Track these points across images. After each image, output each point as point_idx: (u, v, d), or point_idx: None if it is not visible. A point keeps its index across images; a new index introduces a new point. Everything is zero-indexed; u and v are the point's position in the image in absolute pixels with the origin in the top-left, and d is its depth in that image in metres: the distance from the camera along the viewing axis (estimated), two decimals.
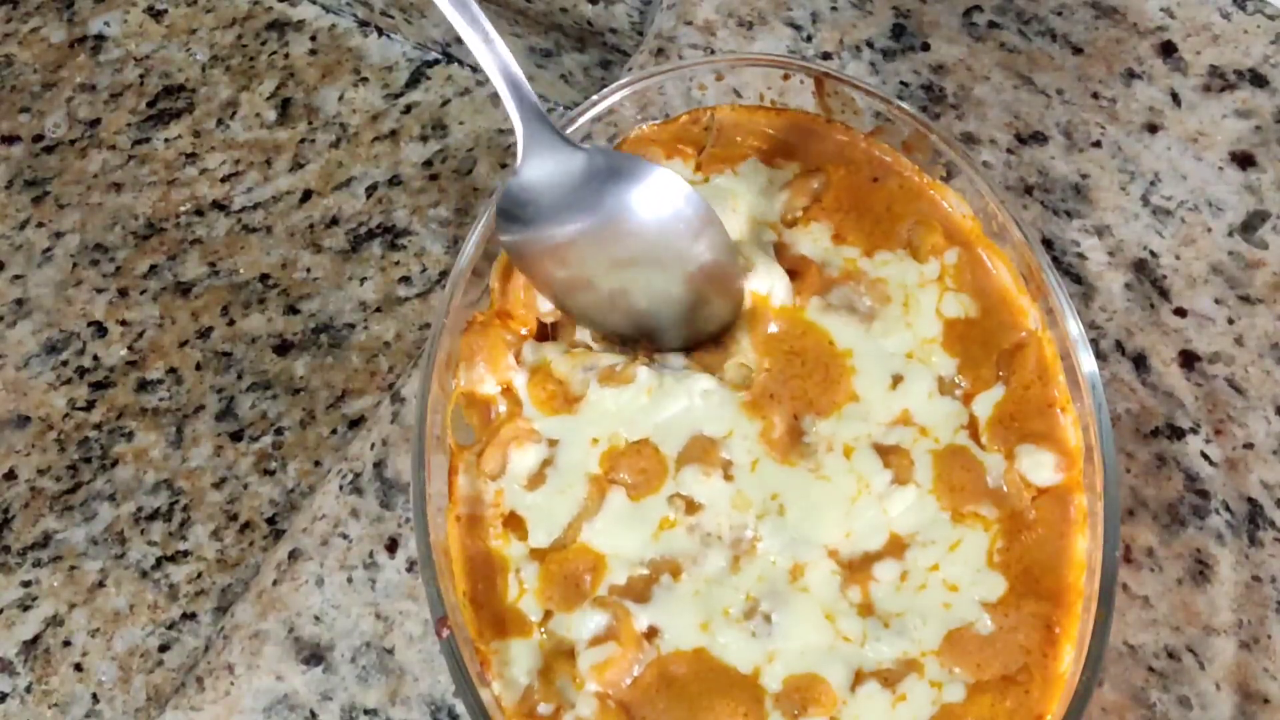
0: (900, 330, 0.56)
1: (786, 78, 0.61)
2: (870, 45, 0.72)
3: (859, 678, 0.51)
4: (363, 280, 0.87)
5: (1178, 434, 0.62)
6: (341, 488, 0.63)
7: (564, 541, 0.54)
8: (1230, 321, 0.65)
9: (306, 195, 0.90)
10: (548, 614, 0.53)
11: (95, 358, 0.86)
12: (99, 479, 0.82)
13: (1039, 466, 0.54)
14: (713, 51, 0.72)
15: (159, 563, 0.80)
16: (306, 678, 0.60)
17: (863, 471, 0.54)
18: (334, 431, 0.83)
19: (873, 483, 0.54)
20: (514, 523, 0.54)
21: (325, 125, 0.93)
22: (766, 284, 0.56)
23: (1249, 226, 0.67)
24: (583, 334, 0.58)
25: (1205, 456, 0.62)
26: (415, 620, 0.60)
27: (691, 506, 0.54)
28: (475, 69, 0.94)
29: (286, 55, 0.96)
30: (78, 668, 0.77)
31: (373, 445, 0.64)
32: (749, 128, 0.61)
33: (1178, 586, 0.59)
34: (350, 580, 0.61)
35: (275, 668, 0.60)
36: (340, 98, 0.94)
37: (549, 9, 0.85)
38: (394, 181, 0.90)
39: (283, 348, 0.86)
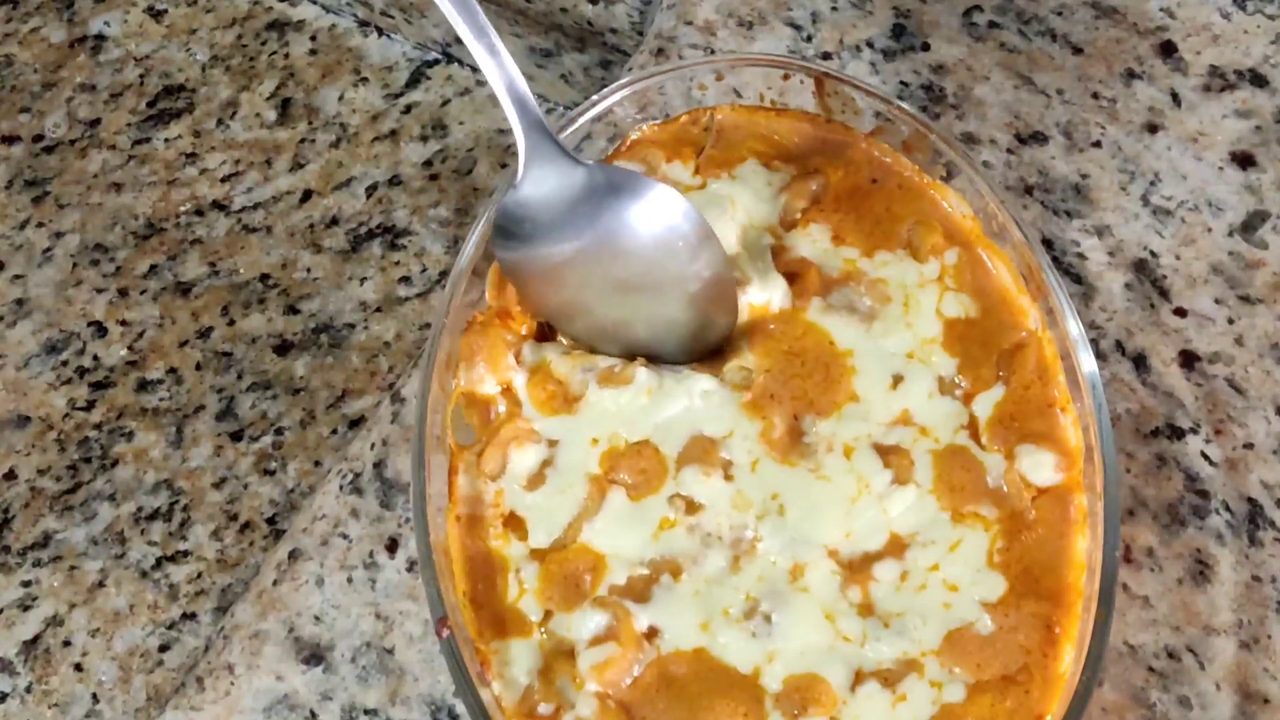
0: (900, 330, 0.56)
1: (786, 78, 0.61)
2: (870, 45, 0.72)
3: (859, 678, 0.51)
4: (363, 280, 0.87)
5: (1178, 434, 0.62)
6: (341, 488, 0.63)
7: (564, 541, 0.54)
8: (1230, 321, 0.65)
9: (306, 195, 0.90)
10: (548, 614, 0.53)
11: (95, 358, 0.86)
12: (99, 479, 0.83)
13: (1039, 466, 0.54)
14: (713, 51, 0.72)
15: (159, 563, 0.80)
16: (306, 678, 0.60)
17: (863, 471, 0.54)
18: (334, 431, 0.83)
19: (873, 483, 0.54)
20: (514, 523, 0.54)
21: (325, 125, 0.93)
22: (764, 295, 0.56)
23: (1249, 226, 0.67)
24: None
25: (1205, 456, 0.62)
26: (415, 620, 0.60)
27: (691, 506, 0.54)
28: (475, 69, 0.94)
29: (286, 55, 0.96)
30: (78, 668, 0.77)
31: (373, 445, 0.64)
32: (749, 128, 0.61)
33: (1178, 586, 0.59)
34: (350, 580, 0.61)
35: (275, 668, 0.60)
36: (340, 98, 0.94)
37: (549, 9, 0.85)
38: (394, 181, 0.90)
39: (283, 348, 0.86)
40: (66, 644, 0.78)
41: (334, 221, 0.89)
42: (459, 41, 0.92)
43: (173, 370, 0.85)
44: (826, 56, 0.72)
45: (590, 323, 0.56)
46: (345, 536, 0.62)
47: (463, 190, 0.90)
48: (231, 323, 0.87)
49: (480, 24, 0.54)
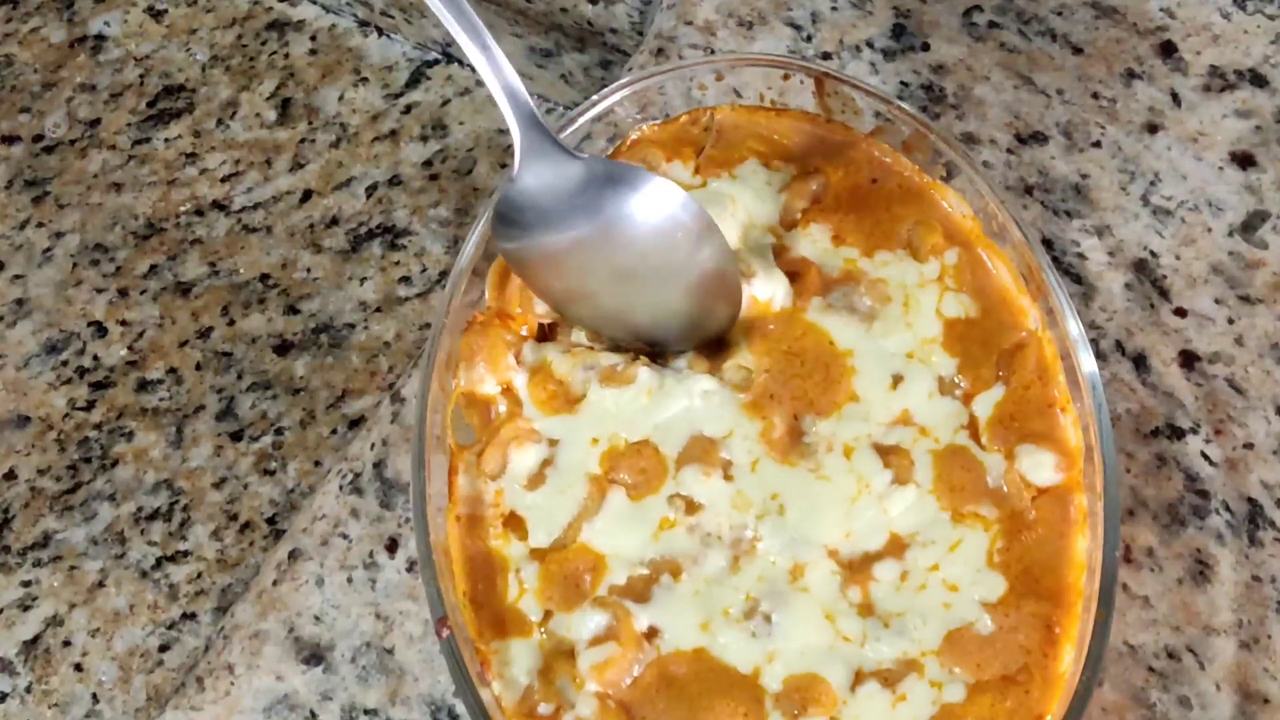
0: (900, 330, 0.56)
1: (786, 78, 0.61)
2: (870, 45, 0.72)
3: (859, 678, 0.51)
4: (363, 280, 0.87)
5: (1178, 434, 0.62)
6: (341, 488, 0.63)
7: (564, 541, 0.54)
8: (1230, 321, 0.65)
9: (306, 195, 0.90)
10: (548, 614, 0.53)
11: (95, 358, 0.86)
12: (99, 479, 0.82)
13: (1039, 466, 0.54)
14: (713, 51, 0.72)
15: (159, 563, 0.80)
16: (306, 678, 0.60)
17: (863, 471, 0.54)
18: (334, 431, 0.83)
19: (873, 483, 0.54)
20: (514, 523, 0.54)
21: (325, 125, 0.93)
22: (768, 290, 0.56)
23: (1249, 226, 0.67)
24: (579, 335, 0.58)
25: (1205, 456, 0.62)
26: (415, 620, 0.60)
27: (691, 506, 0.54)
28: (475, 69, 0.94)
29: (286, 55, 0.96)
30: (78, 668, 0.77)
31: (373, 445, 0.64)
32: (749, 128, 0.61)
33: (1178, 586, 0.59)
34: (350, 580, 0.61)
35: (275, 668, 0.60)
36: (340, 98, 0.94)
37: (549, 9, 0.85)
38: (394, 181, 0.90)
39: (283, 348, 0.86)
40: (66, 644, 0.78)
41: (334, 221, 0.89)
42: None
43: (173, 370, 0.85)
44: (826, 56, 0.72)
45: (593, 309, 0.56)
46: (345, 536, 0.62)
47: (463, 190, 0.90)
48: (231, 323, 0.87)
49: (472, 22, 0.54)
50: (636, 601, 0.52)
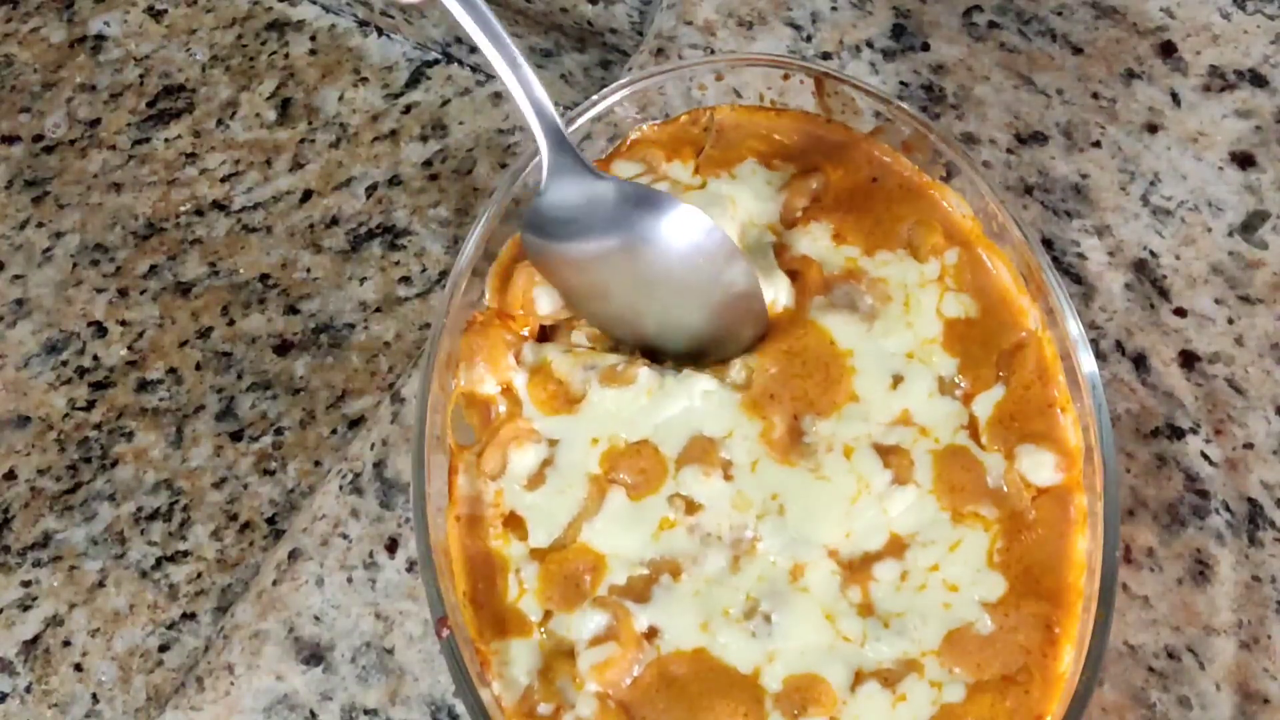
0: (900, 330, 0.56)
1: (786, 78, 0.61)
2: (870, 45, 0.72)
3: (859, 678, 0.51)
4: (363, 280, 0.87)
5: (1178, 434, 0.62)
6: (341, 488, 0.63)
7: (564, 541, 0.54)
8: (1230, 321, 0.65)
9: (306, 195, 0.90)
10: (548, 614, 0.53)
11: (95, 358, 0.86)
12: (99, 479, 0.82)
13: (1039, 466, 0.54)
14: (713, 51, 0.72)
15: (159, 563, 0.80)
16: (306, 678, 0.60)
17: (863, 471, 0.54)
18: (334, 431, 0.83)
19: (873, 483, 0.54)
20: (514, 523, 0.54)
21: (325, 125, 0.93)
22: (770, 292, 0.56)
23: (1249, 226, 0.67)
24: (580, 335, 0.58)
25: (1205, 456, 0.62)
26: (415, 620, 0.60)
27: (691, 506, 0.54)
28: (475, 69, 0.94)
29: (286, 55, 0.96)
30: (78, 668, 0.77)
31: (373, 445, 0.64)
32: (749, 128, 0.61)
33: (1178, 586, 0.59)
34: (350, 580, 0.61)
35: (275, 668, 0.60)
36: (340, 98, 0.94)
37: (549, 9, 0.85)
38: (394, 181, 0.90)
39: (283, 348, 0.86)
40: (66, 644, 0.78)
41: (334, 221, 0.89)
42: (459, 41, 0.92)
43: (173, 370, 0.85)
44: (826, 56, 0.72)
45: (608, 311, 0.57)
46: (345, 536, 0.62)
47: (463, 190, 0.90)
48: (231, 323, 0.87)
49: (498, 34, 0.54)
50: (636, 601, 0.52)
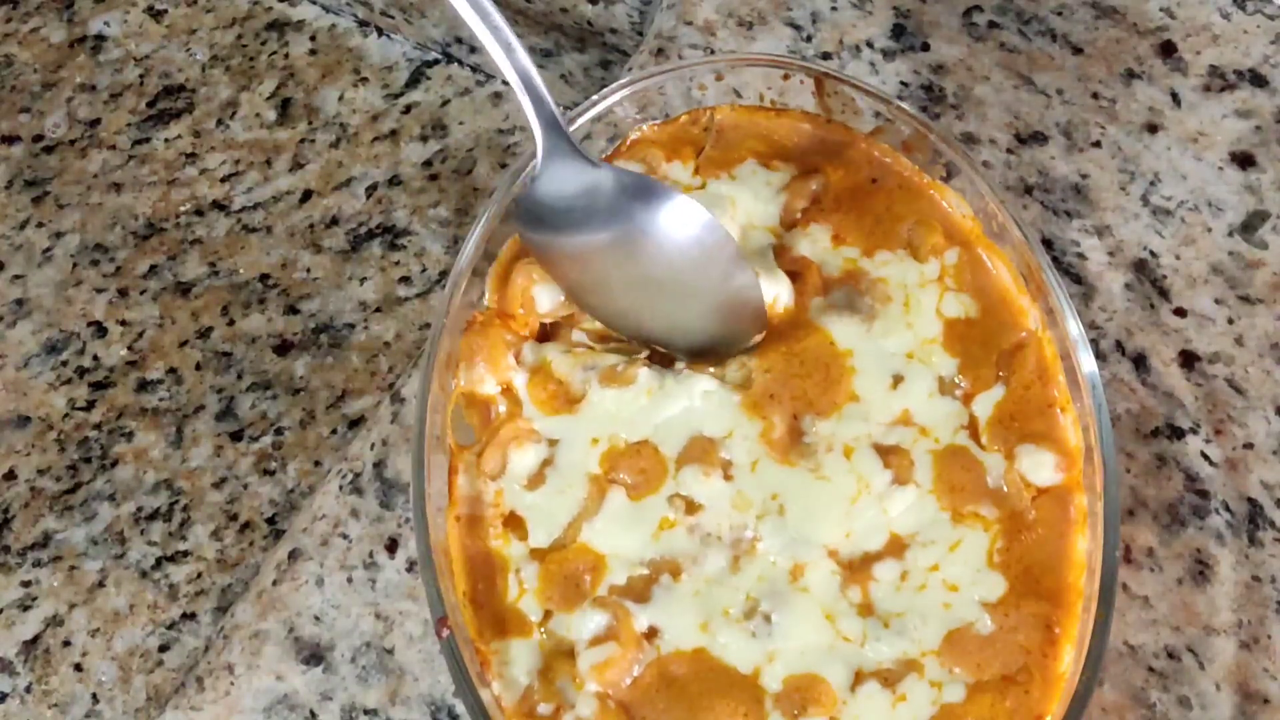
0: (900, 330, 0.56)
1: (786, 78, 0.61)
2: (870, 45, 0.72)
3: (859, 678, 0.51)
4: (363, 280, 0.87)
5: (1178, 434, 0.62)
6: (341, 488, 0.63)
7: (564, 541, 0.54)
8: (1230, 321, 0.65)
9: (306, 195, 0.90)
10: (548, 614, 0.53)
11: (95, 358, 0.86)
12: (99, 479, 0.82)
13: (1039, 466, 0.54)
14: (713, 51, 0.72)
15: (159, 563, 0.80)
16: (306, 678, 0.60)
17: (863, 471, 0.54)
18: (334, 431, 0.83)
19: (873, 483, 0.54)
20: (514, 523, 0.54)
21: (325, 125, 0.93)
22: (770, 292, 0.56)
23: (1249, 226, 0.67)
24: (581, 335, 0.58)
25: (1205, 456, 0.62)
26: (415, 620, 0.60)
27: (691, 506, 0.54)
28: (475, 69, 0.94)
29: (286, 55, 0.96)
30: (78, 668, 0.77)
31: (373, 445, 0.64)
32: (748, 128, 0.61)
33: (1178, 586, 0.59)
34: (350, 580, 0.61)
35: (275, 668, 0.60)
36: (340, 98, 0.94)
37: (549, 9, 0.85)
38: (394, 181, 0.90)
39: (283, 348, 0.86)
40: (66, 644, 0.78)
41: (334, 221, 0.89)
42: (459, 41, 0.92)
43: (173, 370, 0.85)
44: (826, 56, 0.72)
45: (609, 306, 0.57)
46: (345, 536, 0.62)
47: (463, 190, 0.90)
48: (231, 323, 0.87)
49: (494, 22, 0.54)
50: (636, 601, 0.52)
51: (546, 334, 0.58)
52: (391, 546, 0.62)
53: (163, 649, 0.78)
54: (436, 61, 0.95)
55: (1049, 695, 0.50)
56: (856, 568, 0.53)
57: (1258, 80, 0.71)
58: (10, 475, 0.83)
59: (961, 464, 0.54)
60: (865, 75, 0.71)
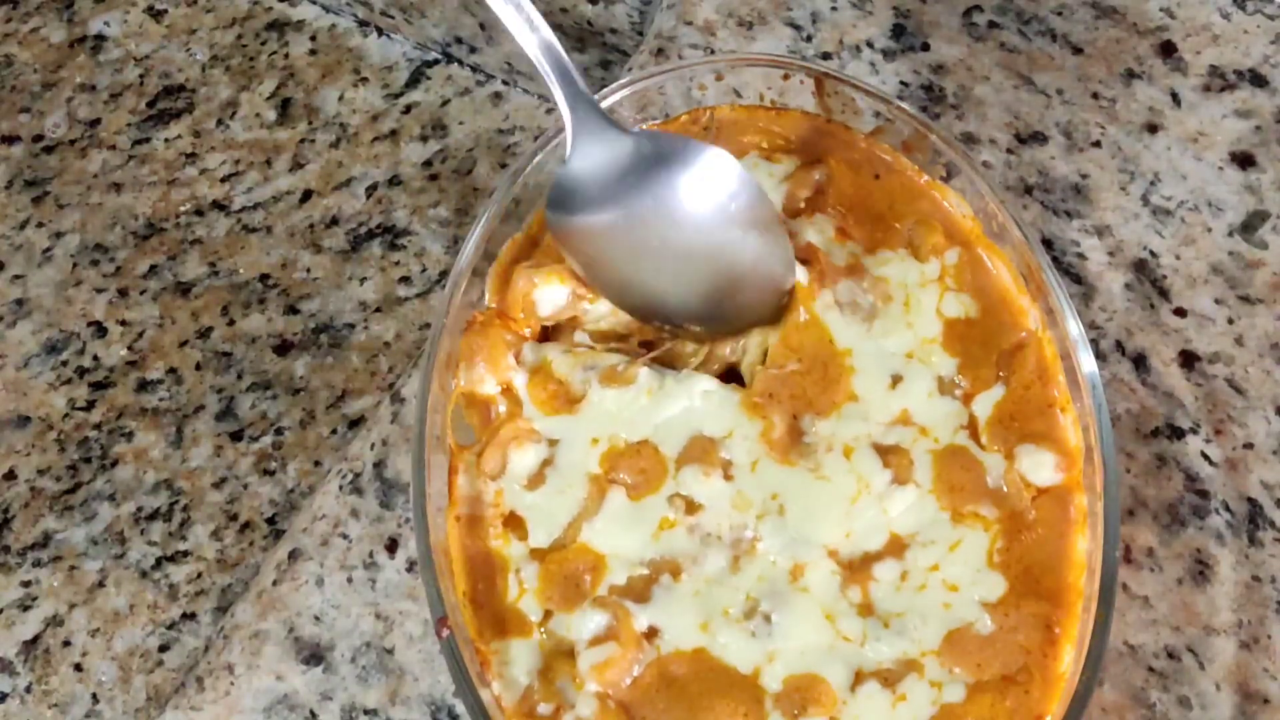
0: (900, 330, 0.56)
1: (786, 78, 0.61)
2: (870, 45, 0.72)
3: (859, 678, 0.51)
4: (363, 280, 0.87)
5: (1178, 434, 0.62)
6: (341, 488, 0.63)
7: (564, 541, 0.54)
8: (1230, 321, 0.65)
9: (306, 195, 0.90)
10: (548, 614, 0.53)
11: (95, 358, 0.86)
12: (99, 479, 0.82)
13: (1039, 466, 0.54)
14: (713, 51, 0.72)
15: (159, 563, 0.80)
16: (306, 678, 0.60)
17: (863, 471, 0.54)
18: (334, 431, 0.83)
19: (873, 483, 0.54)
20: (514, 523, 0.54)
21: (325, 125, 0.93)
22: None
23: (1249, 226, 0.67)
24: (582, 336, 0.58)
25: (1205, 456, 0.62)
26: (415, 620, 0.60)
27: (691, 506, 0.54)
28: (475, 69, 0.94)
29: (286, 55, 0.96)
30: (78, 668, 0.77)
31: (373, 445, 0.64)
32: (749, 128, 0.61)
33: (1178, 586, 0.59)
34: (350, 580, 0.61)
35: (275, 668, 0.60)
36: (340, 98, 0.94)
37: (549, 9, 0.85)
38: (394, 181, 0.90)
39: (283, 348, 0.86)
40: (66, 644, 0.78)
41: (334, 221, 0.89)
42: (459, 41, 0.92)
43: (173, 370, 0.85)
44: (826, 56, 0.72)
45: (638, 283, 0.56)
46: (345, 536, 0.62)
47: (463, 190, 0.90)
48: (231, 323, 0.87)
49: (517, 1, 0.54)
50: (636, 601, 0.52)
51: (547, 333, 0.58)
52: (391, 546, 0.62)
53: (163, 649, 0.78)
54: (436, 61, 0.95)
55: (1049, 695, 0.50)
56: (856, 568, 0.53)
57: (1258, 80, 0.71)
58: (10, 475, 0.83)
59: (961, 464, 0.54)
60: (865, 75, 0.71)
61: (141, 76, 0.96)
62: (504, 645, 0.52)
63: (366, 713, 0.59)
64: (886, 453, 0.54)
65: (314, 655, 0.60)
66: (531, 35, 0.54)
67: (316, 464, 0.82)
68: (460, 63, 0.94)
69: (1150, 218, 0.67)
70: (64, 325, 0.87)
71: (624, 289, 0.56)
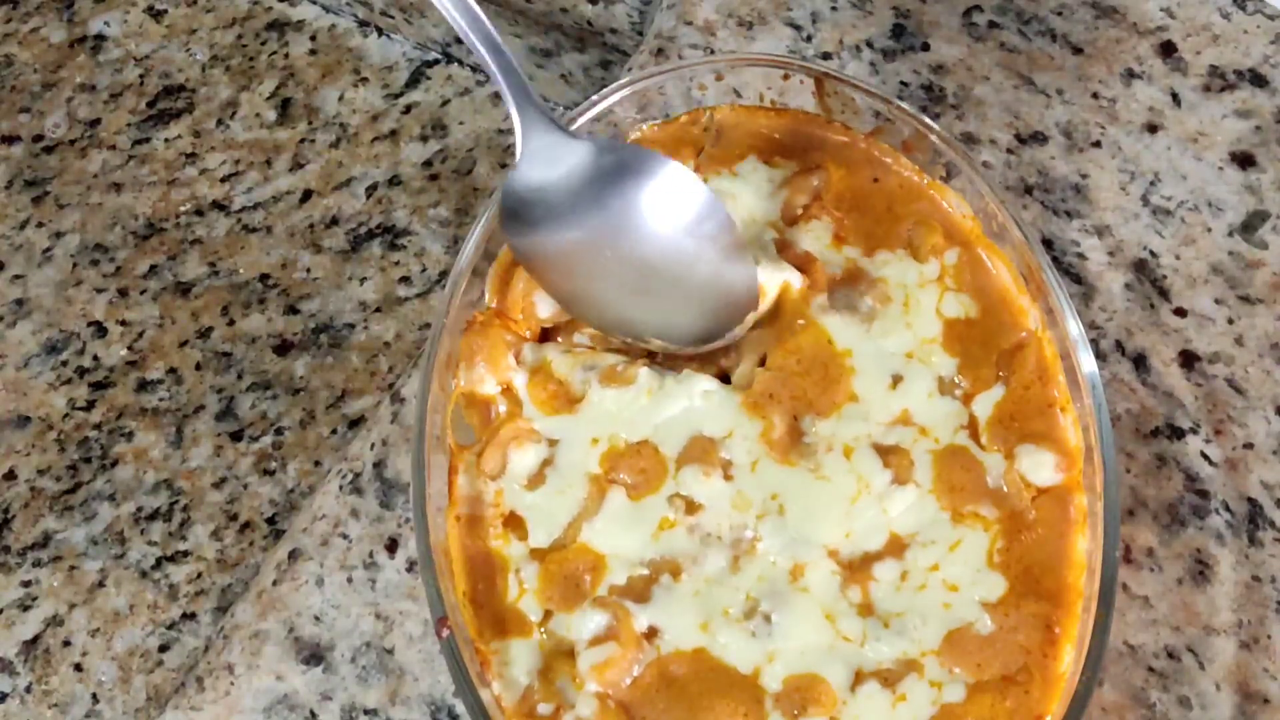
0: (900, 330, 0.56)
1: (786, 78, 0.61)
2: (870, 45, 0.72)
3: (859, 678, 0.51)
4: (363, 280, 0.87)
5: (1178, 434, 0.62)
6: (341, 488, 0.63)
7: (564, 541, 0.54)
8: (1230, 321, 0.65)
9: (306, 195, 0.90)
10: (548, 614, 0.53)
11: (95, 358, 0.86)
12: (99, 479, 0.83)
13: (1039, 466, 0.54)
14: (713, 51, 0.72)
15: (159, 563, 0.80)
16: (306, 678, 0.60)
17: (863, 471, 0.54)
18: (334, 431, 0.83)
19: (873, 483, 0.54)
20: (514, 523, 0.54)
21: (325, 125, 0.93)
22: (779, 279, 0.56)
23: (1249, 226, 0.67)
24: (581, 336, 0.58)
25: (1205, 456, 0.62)
26: (415, 620, 0.60)
27: (691, 506, 0.54)
28: (475, 69, 0.94)
29: (286, 55, 0.96)
30: (78, 668, 0.77)
31: (373, 445, 0.64)
32: (749, 128, 0.61)
33: (1178, 586, 0.59)
34: (350, 580, 0.61)
35: (275, 668, 0.60)
36: (340, 98, 0.94)
37: (549, 9, 0.85)
38: (394, 181, 0.90)
39: (283, 348, 0.86)
40: (66, 644, 0.78)
41: (334, 221, 0.89)
42: (459, 41, 0.92)
43: (173, 370, 0.85)
44: (826, 56, 0.72)
45: (602, 310, 0.56)
46: (345, 536, 0.62)
47: (463, 190, 0.90)
48: (231, 323, 0.87)
49: (465, 4, 0.54)
50: (636, 601, 0.52)
51: (547, 334, 0.58)
52: (391, 546, 0.62)
53: (163, 649, 0.78)
54: (436, 61, 0.95)
55: (1049, 695, 0.51)
56: (856, 568, 0.53)
57: (1258, 80, 0.71)
58: (10, 475, 0.83)
59: (961, 464, 0.54)
60: (865, 75, 0.71)
61: (141, 76, 0.96)
62: (504, 645, 0.52)
63: (366, 713, 0.59)
64: (886, 453, 0.54)
65: (314, 655, 0.60)
66: (484, 47, 0.54)
67: (316, 464, 0.82)
68: (460, 63, 0.94)
69: (1150, 218, 0.67)
70: (64, 325, 0.87)
71: (583, 304, 0.56)
